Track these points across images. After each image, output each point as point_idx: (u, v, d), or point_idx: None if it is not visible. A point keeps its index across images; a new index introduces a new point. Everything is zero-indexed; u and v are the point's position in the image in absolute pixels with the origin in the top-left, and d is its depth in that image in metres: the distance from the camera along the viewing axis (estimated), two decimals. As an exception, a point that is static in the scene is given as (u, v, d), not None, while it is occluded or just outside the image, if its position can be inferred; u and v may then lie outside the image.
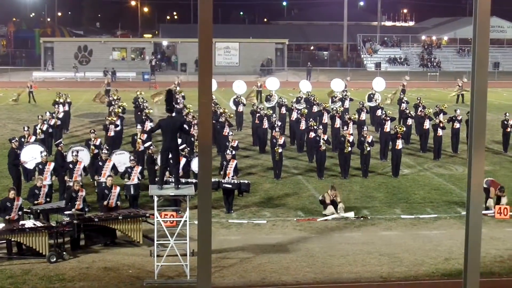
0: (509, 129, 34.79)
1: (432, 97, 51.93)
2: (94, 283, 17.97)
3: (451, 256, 20.07)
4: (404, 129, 32.23)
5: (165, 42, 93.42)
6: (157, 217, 18.57)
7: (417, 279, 18.58)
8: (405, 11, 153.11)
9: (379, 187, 28.12)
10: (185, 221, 18.34)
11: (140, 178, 24.06)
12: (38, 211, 21.37)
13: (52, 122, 33.90)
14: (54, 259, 19.21)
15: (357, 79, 68.97)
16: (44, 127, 32.28)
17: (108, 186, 21.81)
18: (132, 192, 23.68)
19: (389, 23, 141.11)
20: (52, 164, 24.46)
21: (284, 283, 18.19)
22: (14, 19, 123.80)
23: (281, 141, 29.35)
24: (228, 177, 24.58)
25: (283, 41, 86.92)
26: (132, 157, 24.99)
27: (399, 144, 30.03)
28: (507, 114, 35.21)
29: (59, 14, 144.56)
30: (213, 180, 24.33)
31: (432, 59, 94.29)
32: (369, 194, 26.94)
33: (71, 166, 24.63)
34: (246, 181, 25.06)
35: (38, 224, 19.77)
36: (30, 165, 26.52)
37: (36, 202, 21.89)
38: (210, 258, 10.00)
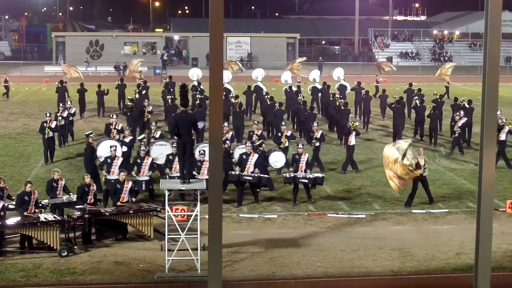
0: None
1: (443, 91, 51.64)
2: (105, 277, 18.03)
3: (462, 251, 20.04)
4: (357, 124, 31.20)
5: (176, 37, 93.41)
6: (168, 212, 18.60)
7: (428, 274, 18.58)
8: (416, 5, 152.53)
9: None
10: (196, 215, 18.37)
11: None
12: (49, 205, 21.45)
13: (73, 110, 35.53)
14: (65, 253, 19.26)
15: (369, 73, 68.81)
16: (65, 114, 33.73)
17: (120, 181, 21.81)
18: None
19: (400, 18, 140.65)
20: (121, 159, 24.55)
21: (295, 277, 18.21)
22: (26, 13, 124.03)
23: (318, 134, 29.32)
24: (301, 171, 24.70)
25: (295, 36, 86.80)
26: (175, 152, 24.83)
27: (352, 139, 29.42)
28: None
29: (71, 8, 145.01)
30: (287, 175, 24.78)
31: (444, 53, 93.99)
32: (380, 189, 26.89)
33: (109, 161, 24.51)
34: (320, 175, 25.19)
35: (50, 218, 19.84)
36: None
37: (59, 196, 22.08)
38: (221, 252, 10.01)
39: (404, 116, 37.28)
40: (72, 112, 35.32)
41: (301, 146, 25.43)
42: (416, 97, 39.65)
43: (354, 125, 29.82)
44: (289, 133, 29.42)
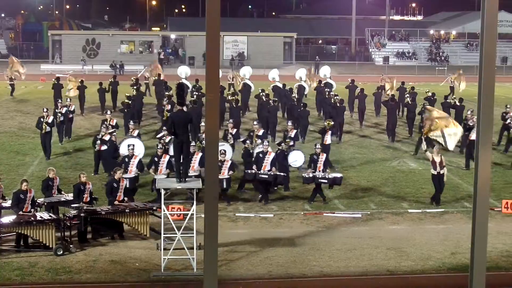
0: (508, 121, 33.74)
1: (440, 91, 51.72)
2: (101, 275, 18.01)
3: (458, 251, 20.05)
4: (333, 123, 30.96)
5: (173, 36, 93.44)
6: (164, 211, 18.59)
7: (423, 273, 18.58)
8: (413, 5, 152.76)
9: (386, 181, 28.09)
10: (192, 214, 18.36)
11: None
12: (45, 203, 21.41)
13: (72, 108, 35.72)
14: (61, 252, 19.23)
15: (366, 73, 69.01)
16: (63, 110, 33.94)
17: (116, 180, 21.76)
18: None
19: (397, 17, 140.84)
20: (138, 158, 24.59)
21: (291, 276, 18.20)
22: (22, 11, 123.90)
23: (292, 133, 29.25)
24: (319, 171, 24.75)
25: (291, 35, 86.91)
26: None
27: (328, 139, 29.36)
28: (508, 106, 35.06)
29: (67, 7, 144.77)
30: (306, 175, 24.77)
31: (440, 53, 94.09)
32: (376, 188, 26.91)
33: (126, 160, 24.55)
34: (339, 175, 25.20)
35: (45, 216, 19.80)
36: None
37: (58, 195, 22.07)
38: (217, 251, 10.02)
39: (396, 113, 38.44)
40: (72, 109, 35.46)
41: (319, 146, 25.42)
42: (408, 95, 40.64)
43: (330, 125, 29.80)
44: (260, 133, 29.20)
